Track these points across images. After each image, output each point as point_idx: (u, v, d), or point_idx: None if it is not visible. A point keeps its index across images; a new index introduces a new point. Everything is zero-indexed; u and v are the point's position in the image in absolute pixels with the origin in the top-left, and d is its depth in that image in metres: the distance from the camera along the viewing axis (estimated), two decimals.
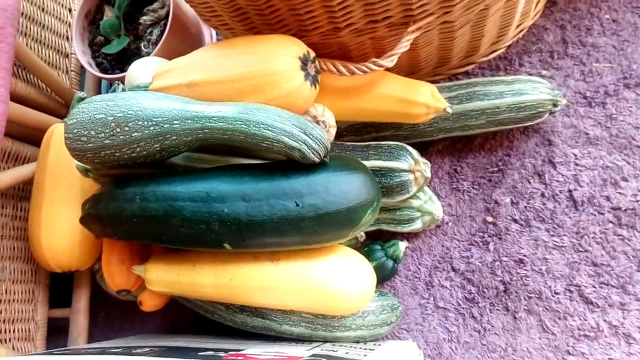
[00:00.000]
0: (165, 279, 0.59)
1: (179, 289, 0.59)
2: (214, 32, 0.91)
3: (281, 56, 0.54)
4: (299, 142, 0.51)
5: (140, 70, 0.69)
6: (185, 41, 0.81)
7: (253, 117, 0.51)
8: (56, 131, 0.71)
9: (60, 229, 0.67)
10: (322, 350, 0.56)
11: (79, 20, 0.83)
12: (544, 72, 0.71)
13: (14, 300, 0.73)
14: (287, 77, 0.54)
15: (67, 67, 0.87)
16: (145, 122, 0.53)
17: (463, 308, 0.68)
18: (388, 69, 0.60)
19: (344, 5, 0.57)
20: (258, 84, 0.54)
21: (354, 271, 0.57)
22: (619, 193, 0.65)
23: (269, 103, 0.54)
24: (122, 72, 0.79)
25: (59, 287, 0.83)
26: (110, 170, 0.61)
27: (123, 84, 0.71)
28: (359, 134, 0.72)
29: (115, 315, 0.84)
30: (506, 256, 0.68)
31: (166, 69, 0.61)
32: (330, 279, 0.55)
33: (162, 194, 0.54)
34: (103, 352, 0.55)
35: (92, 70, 0.78)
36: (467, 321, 0.68)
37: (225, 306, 0.63)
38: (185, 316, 0.79)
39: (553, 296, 0.65)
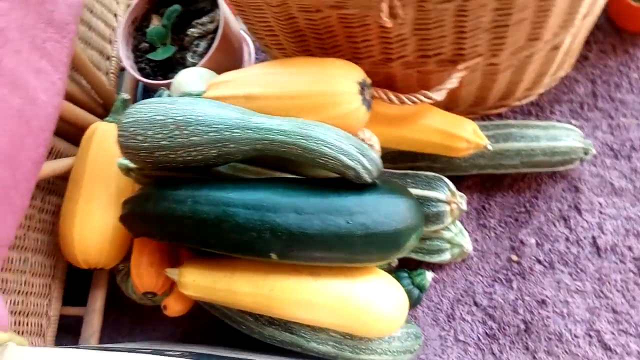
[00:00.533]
0: (201, 284, 0.59)
1: (214, 295, 0.60)
2: (252, 49, 0.93)
3: (342, 78, 0.56)
4: (355, 161, 0.53)
5: (189, 78, 0.70)
6: (229, 56, 0.83)
7: (313, 133, 0.53)
8: (99, 129, 0.72)
9: (93, 225, 0.68)
10: None
11: (126, 26, 0.85)
12: (573, 122, 0.75)
13: (30, 293, 0.72)
14: (347, 99, 0.56)
15: (107, 69, 0.88)
16: (206, 128, 0.54)
17: (483, 344, 0.69)
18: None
19: (401, 39, 0.60)
20: (318, 103, 0.56)
21: (391, 293, 0.58)
22: None
23: (326, 122, 0.56)
24: (164, 79, 0.80)
25: (72, 284, 0.82)
26: (157, 171, 0.62)
27: (168, 89, 0.73)
28: (395, 162, 0.74)
29: (125, 319, 0.83)
30: (529, 295, 0.69)
31: (222, 80, 0.62)
32: (369, 299, 0.56)
33: (215, 198, 0.55)
34: (133, 350, 0.55)
35: (136, 75, 0.79)
36: (486, 357, 0.68)
37: (255, 318, 0.63)
38: (200, 326, 0.79)
39: (573, 339, 0.66)
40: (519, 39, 0.60)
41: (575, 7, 0.58)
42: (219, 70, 0.77)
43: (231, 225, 0.53)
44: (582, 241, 0.70)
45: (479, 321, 0.70)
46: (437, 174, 0.67)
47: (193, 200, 0.55)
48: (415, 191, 0.65)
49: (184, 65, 0.80)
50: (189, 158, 0.56)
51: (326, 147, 0.52)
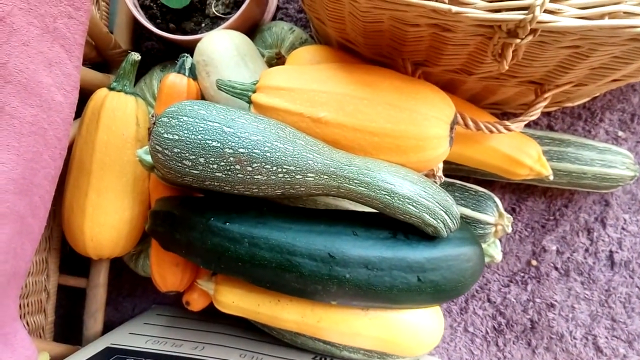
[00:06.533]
0: (243, 306, 0.56)
1: (255, 317, 0.57)
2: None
3: (435, 120, 0.48)
4: (438, 220, 0.48)
5: (224, 52, 0.58)
6: (261, 6, 0.68)
7: (400, 190, 0.47)
8: (107, 103, 0.59)
9: (108, 221, 0.59)
10: None
11: None
12: (619, 133, 0.72)
13: (29, 274, 0.65)
14: (436, 144, 0.49)
15: None
16: (274, 168, 0.46)
17: (490, 336, 0.74)
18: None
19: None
20: (402, 145, 0.48)
21: (434, 319, 0.57)
22: None
23: (404, 164, 0.50)
24: (177, 27, 0.65)
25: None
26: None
27: (189, 52, 0.60)
28: None
29: (125, 277, 0.79)
30: (540, 298, 0.73)
31: (278, 85, 0.51)
32: (416, 328, 0.56)
33: (277, 244, 0.49)
34: None
35: (143, 21, 0.63)
36: (490, 348, 0.74)
37: None
38: None
39: (571, 340, 0.72)
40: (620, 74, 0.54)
41: None
42: (246, 23, 0.65)
43: (295, 275, 0.49)
44: (600, 254, 0.73)
45: (489, 316, 0.74)
46: (486, 191, 0.64)
47: (250, 242, 0.49)
48: (463, 210, 0.63)
49: (202, 13, 0.65)
50: (247, 193, 0.49)
51: (411, 205, 0.47)
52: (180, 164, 0.47)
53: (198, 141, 0.46)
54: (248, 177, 0.47)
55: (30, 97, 0.43)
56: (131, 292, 0.80)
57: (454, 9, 0.40)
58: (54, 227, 0.69)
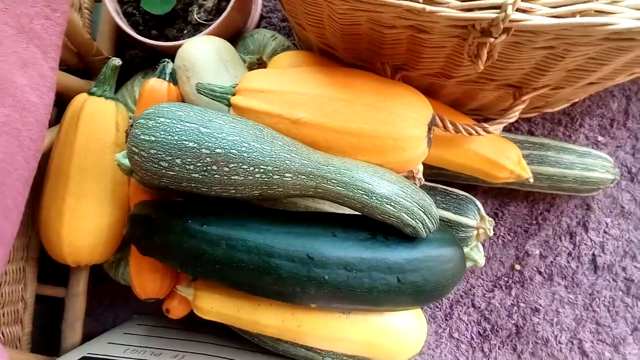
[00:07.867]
0: (223, 312, 0.55)
1: (235, 322, 0.56)
2: (259, 6, 0.77)
3: (412, 121, 0.48)
4: (417, 220, 0.48)
5: (205, 58, 0.58)
6: (244, 15, 0.69)
7: (377, 189, 0.47)
8: (86, 108, 0.58)
9: (86, 227, 0.58)
10: None
11: None
12: (599, 138, 0.73)
13: (5, 283, 0.63)
14: (414, 144, 0.49)
15: (79, 3, 0.69)
16: (252, 168, 0.46)
17: (475, 342, 0.73)
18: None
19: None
20: (380, 146, 0.48)
21: (416, 322, 0.57)
22: (634, 266, 0.72)
23: (383, 165, 0.50)
24: (160, 35, 0.66)
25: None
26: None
27: (171, 59, 0.60)
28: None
29: (105, 286, 0.78)
30: (524, 303, 0.73)
31: (257, 87, 0.51)
32: (398, 332, 0.55)
33: (254, 245, 0.48)
34: None
35: (125, 27, 0.63)
36: (476, 354, 0.73)
37: None
38: None
39: (557, 345, 0.72)
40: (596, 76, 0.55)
41: None
42: (228, 30, 0.65)
43: (273, 278, 0.48)
44: (583, 257, 0.73)
45: (474, 321, 0.74)
46: (468, 195, 0.64)
47: (228, 244, 0.49)
48: (445, 214, 0.63)
49: (185, 20, 0.65)
50: (225, 194, 0.48)
51: (389, 205, 0.47)
52: (157, 166, 0.46)
53: (174, 142, 0.46)
54: (225, 177, 0.46)
55: (3, 97, 0.42)
56: (112, 302, 0.78)
57: (428, 8, 0.40)
58: (32, 235, 0.68)
